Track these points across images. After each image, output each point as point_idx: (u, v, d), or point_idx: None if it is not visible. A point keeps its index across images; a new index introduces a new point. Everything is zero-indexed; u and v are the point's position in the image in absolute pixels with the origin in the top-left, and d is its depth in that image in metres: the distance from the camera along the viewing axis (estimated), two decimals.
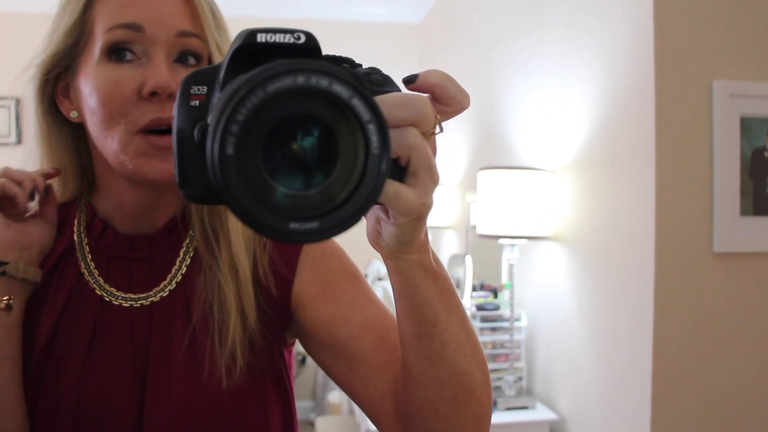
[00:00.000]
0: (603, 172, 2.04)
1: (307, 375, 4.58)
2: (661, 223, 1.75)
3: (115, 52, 0.71)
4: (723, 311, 1.78)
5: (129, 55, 0.71)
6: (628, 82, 1.88)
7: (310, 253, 0.81)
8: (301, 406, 4.47)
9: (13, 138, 4.18)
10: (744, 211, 1.79)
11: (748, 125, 1.79)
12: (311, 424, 4.07)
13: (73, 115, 0.77)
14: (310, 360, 4.48)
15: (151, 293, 0.78)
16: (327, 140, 0.42)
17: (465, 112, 0.52)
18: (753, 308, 1.80)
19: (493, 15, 3.10)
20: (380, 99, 0.44)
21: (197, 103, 0.50)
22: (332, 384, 4.23)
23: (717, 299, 1.78)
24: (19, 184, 0.73)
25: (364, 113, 0.40)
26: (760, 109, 1.80)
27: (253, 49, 0.46)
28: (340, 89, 0.40)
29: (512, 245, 2.34)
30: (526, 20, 2.68)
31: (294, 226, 0.41)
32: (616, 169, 1.96)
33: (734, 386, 1.79)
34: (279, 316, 0.81)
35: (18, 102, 4.17)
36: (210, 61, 0.75)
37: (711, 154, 1.77)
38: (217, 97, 0.49)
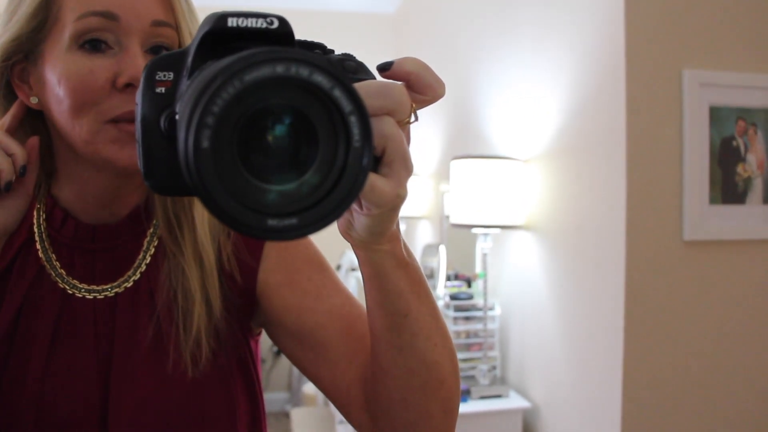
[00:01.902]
0: (575, 161, 2.05)
1: (282, 367, 4.57)
2: (632, 211, 1.77)
3: (89, 42, 0.67)
4: (693, 298, 1.80)
5: (103, 46, 0.68)
6: (600, 72, 1.89)
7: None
8: (277, 397, 4.47)
9: None
10: (713, 200, 1.81)
11: (717, 114, 1.81)
12: (287, 415, 4.07)
13: (33, 101, 0.73)
14: None
15: (115, 284, 0.76)
16: (306, 132, 0.40)
17: (439, 101, 0.51)
18: (722, 295, 1.83)
19: (466, 5, 3.10)
20: (356, 87, 0.42)
21: (163, 90, 0.48)
22: None
23: (687, 287, 1.80)
24: (11, 155, 0.68)
25: (346, 104, 0.39)
26: (729, 98, 1.83)
27: (223, 34, 0.44)
28: (321, 79, 0.38)
29: (485, 234, 2.34)
30: (499, 10, 2.68)
31: (272, 222, 0.39)
32: (587, 158, 1.98)
33: (705, 372, 1.82)
34: (244, 305, 0.79)
35: None
36: None
37: (681, 143, 1.79)
38: (186, 84, 0.47)
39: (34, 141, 0.72)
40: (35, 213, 0.78)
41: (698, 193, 1.79)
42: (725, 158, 1.83)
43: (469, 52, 3.04)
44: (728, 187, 1.83)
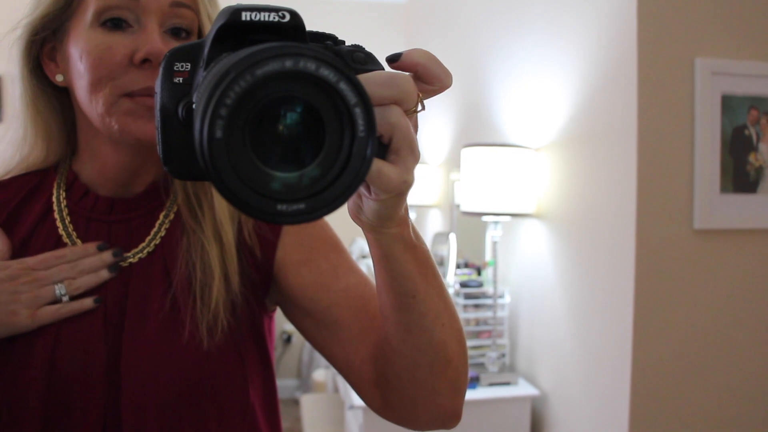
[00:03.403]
0: (586, 150, 2.05)
1: (292, 354, 4.60)
2: (643, 200, 1.77)
3: (111, 21, 0.71)
4: (703, 287, 1.81)
5: (123, 25, 0.71)
6: (611, 60, 1.89)
7: None
8: (287, 384, 4.50)
9: None
10: (724, 189, 1.81)
11: (729, 103, 1.81)
12: (296, 402, 4.10)
13: (59, 78, 0.77)
14: (295, 339, 4.52)
15: (129, 255, 0.78)
16: (314, 123, 0.42)
17: (449, 90, 0.53)
18: (732, 284, 1.83)
19: None
20: (364, 78, 0.45)
21: (181, 80, 0.50)
22: (317, 362, 4.26)
23: (697, 276, 1.80)
24: None
25: (351, 97, 0.41)
26: (742, 87, 1.82)
27: (237, 27, 0.46)
28: (327, 73, 0.40)
29: (495, 222, 2.35)
30: None
31: (281, 207, 0.41)
32: (598, 147, 1.98)
33: (714, 360, 1.82)
34: (261, 281, 0.82)
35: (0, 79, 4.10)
36: (200, 33, 0.75)
37: (692, 132, 1.78)
38: (202, 75, 0.49)
39: None
40: (55, 185, 0.81)
41: (709, 181, 1.78)
42: (737, 147, 1.82)
43: (480, 41, 3.03)
44: (740, 176, 1.83)
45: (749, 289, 1.84)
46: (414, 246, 0.58)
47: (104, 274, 0.76)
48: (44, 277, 0.74)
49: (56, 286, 0.73)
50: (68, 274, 0.74)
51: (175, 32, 0.74)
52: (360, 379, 0.75)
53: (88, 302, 0.75)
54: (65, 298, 0.74)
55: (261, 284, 0.82)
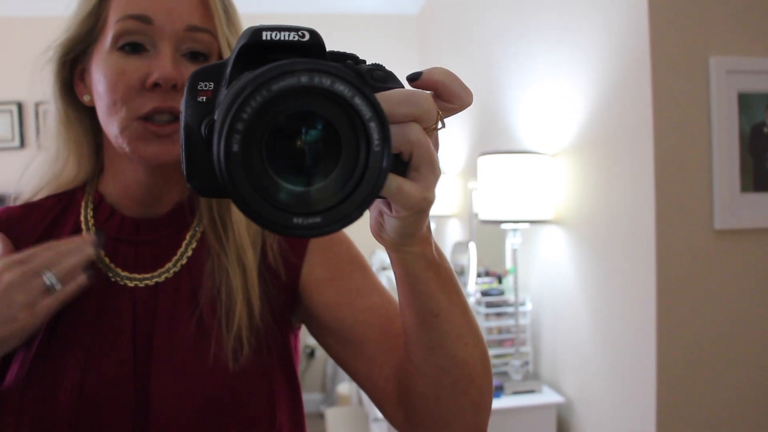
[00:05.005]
0: (602, 153, 2.04)
1: (316, 368, 4.60)
2: (662, 202, 1.75)
3: (129, 45, 0.73)
4: (725, 288, 1.78)
5: (140, 49, 0.74)
6: (625, 62, 1.88)
7: (319, 239, 0.83)
8: (311, 398, 4.50)
9: (16, 142, 4.20)
10: (744, 188, 1.78)
11: (746, 101, 1.79)
12: (321, 416, 4.09)
13: (86, 99, 0.80)
14: (319, 353, 4.52)
15: (155, 274, 0.79)
16: (330, 137, 0.43)
17: None
18: (756, 284, 1.80)
19: (489, 2, 3.10)
20: (382, 96, 0.45)
21: (204, 99, 0.51)
22: (341, 376, 4.26)
23: (719, 276, 1.78)
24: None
25: (366, 111, 0.41)
26: (758, 84, 1.80)
27: (258, 47, 0.47)
28: (342, 88, 0.41)
29: (514, 230, 2.34)
30: (522, 5, 2.67)
31: (297, 221, 0.42)
32: (615, 150, 1.96)
33: (739, 364, 1.79)
34: (287, 300, 0.82)
35: (20, 106, 4.18)
36: (220, 56, 0.77)
37: (709, 132, 1.76)
38: (224, 94, 0.50)
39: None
40: (83, 206, 0.83)
41: (728, 181, 1.76)
42: (756, 145, 1.80)
43: (493, 49, 3.03)
44: (760, 174, 1.81)
45: None
46: (437, 264, 0.58)
47: (89, 251, 0.75)
48: (30, 270, 0.72)
49: (45, 276, 0.72)
50: (52, 258, 0.73)
51: (193, 56, 0.75)
52: (383, 398, 0.75)
53: (81, 279, 0.74)
54: (58, 286, 0.72)
55: (286, 304, 0.82)
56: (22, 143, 4.21)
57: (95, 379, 0.73)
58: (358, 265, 0.83)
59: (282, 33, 0.46)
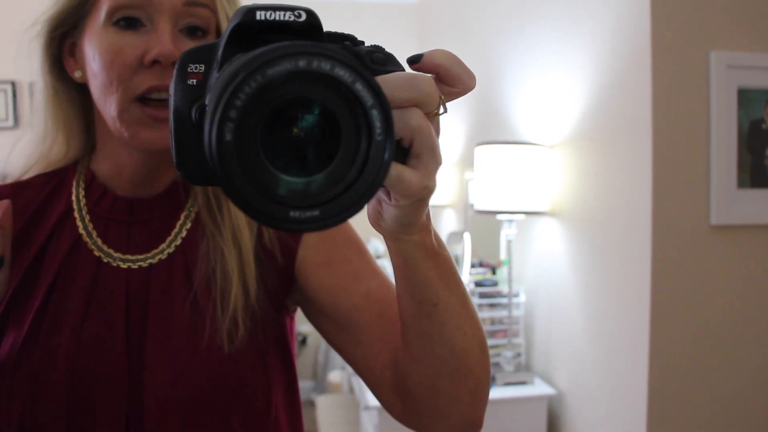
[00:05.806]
0: (600, 146, 2.03)
1: (307, 355, 4.60)
2: (659, 196, 1.75)
3: (124, 20, 0.70)
4: (719, 283, 1.78)
5: (137, 24, 0.71)
6: (625, 55, 1.87)
7: None
8: (303, 386, 4.47)
9: (10, 122, 4.17)
10: (741, 184, 1.78)
11: (745, 97, 1.78)
12: (312, 403, 4.09)
13: (77, 75, 0.77)
14: (310, 340, 4.52)
15: (149, 255, 0.78)
16: (329, 125, 0.40)
17: None
18: (751, 281, 1.80)
19: None
20: (383, 79, 0.43)
21: (194, 81, 0.49)
22: (332, 363, 4.26)
23: (714, 272, 1.78)
24: None
25: (368, 98, 0.39)
26: (758, 80, 1.79)
27: (252, 27, 0.45)
28: (342, 73, 0.38)
29: (510, 221, 2.34)
30: None
31: (295, 214, 0.39)
32: (613, 143, 1.96)
33: (732, 358, 1.80)
34: (282, 283, 0.81)
35: (14, 85, 4.15)
36: (219, 32, 0.74)
37: (708, 127, 1.76)
38: (215, 77, 0.47)
39: (3, 204, 0.72)
40: (74, 183, 0.81)
41: (726, 176, 1.76)
42: (754, 141, 1.80)
43: (493, 39, 3.01)
44: (757, 171, 1.80)
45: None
46: (436, 253, 0.56)
47: None
48: None
49: None
50: None
51: (191, 31, 0.73)
52: (380, 385, 0.74)
53: None
54: None
55: (282, 287, 0.81)
56: (16, 122, 4.18)
57: (88, 360, 0.72)
58: (356, 248, 0.81)
59: (277, 12, 0.44)
